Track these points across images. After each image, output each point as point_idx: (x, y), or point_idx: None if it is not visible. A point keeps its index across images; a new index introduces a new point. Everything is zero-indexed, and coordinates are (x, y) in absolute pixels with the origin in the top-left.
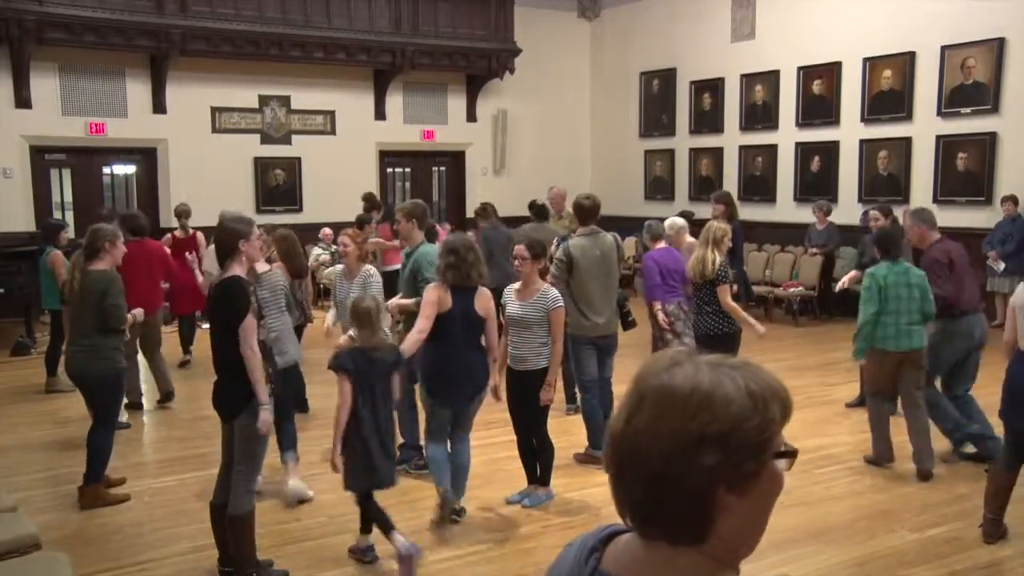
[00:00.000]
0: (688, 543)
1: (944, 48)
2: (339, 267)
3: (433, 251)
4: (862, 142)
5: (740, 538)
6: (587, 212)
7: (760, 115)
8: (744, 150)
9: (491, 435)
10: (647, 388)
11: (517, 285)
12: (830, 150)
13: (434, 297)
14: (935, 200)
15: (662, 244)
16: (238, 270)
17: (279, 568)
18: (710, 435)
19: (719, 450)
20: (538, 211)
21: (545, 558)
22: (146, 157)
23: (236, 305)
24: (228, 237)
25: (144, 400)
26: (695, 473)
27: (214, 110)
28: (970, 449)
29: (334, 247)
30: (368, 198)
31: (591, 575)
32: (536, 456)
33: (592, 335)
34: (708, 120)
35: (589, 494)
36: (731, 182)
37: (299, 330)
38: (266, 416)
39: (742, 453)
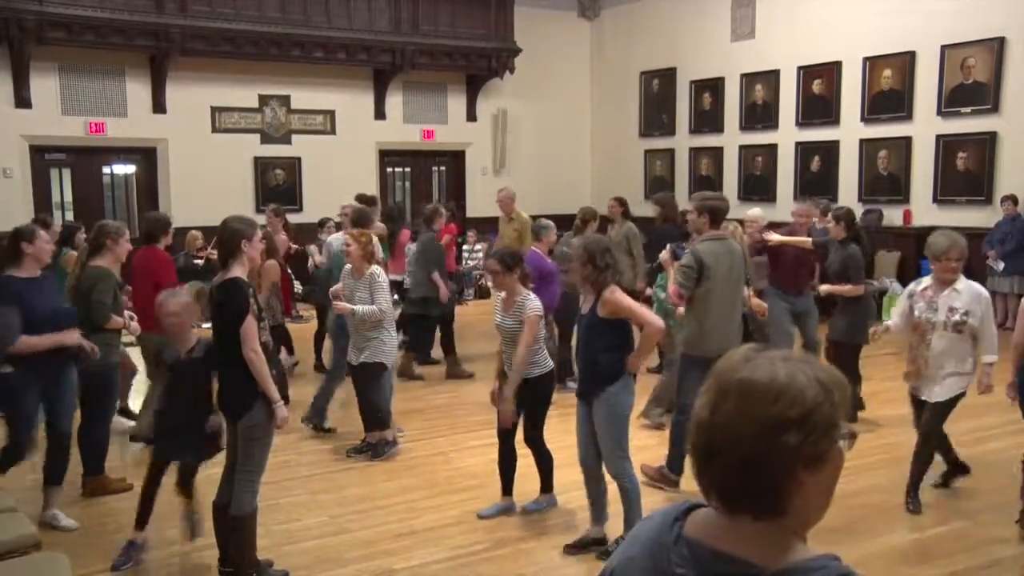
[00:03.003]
0: (770, 517)
1: (944, 48)
2: (348, 266)
3: None
4: (862, 142)
5: (813, 510)
6: (720, 214)
7: (760, 115)
8: (744, 150)
9: (492, 435)
10: (730, 382)
11: (504, 294)
12: (830, 150)
13: None
14: (935, 200)
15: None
16: (239, 271)
17: (279, 568)
18: (791, 418)
19: (799, 431)
20: (429, 217)
21: (545, 558)
22: (146, 157)
23: (236, 307)
24: (231, 238)
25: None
26: (780, 452)
27: (214, 110)
28: None
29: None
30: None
31: (676, 540)
32: (514, 467)
33: (709, 354)
34: (708, 120)
35: (581, 494)
36: (731, 182)
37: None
38: (283, 413)
39: (817, 433)
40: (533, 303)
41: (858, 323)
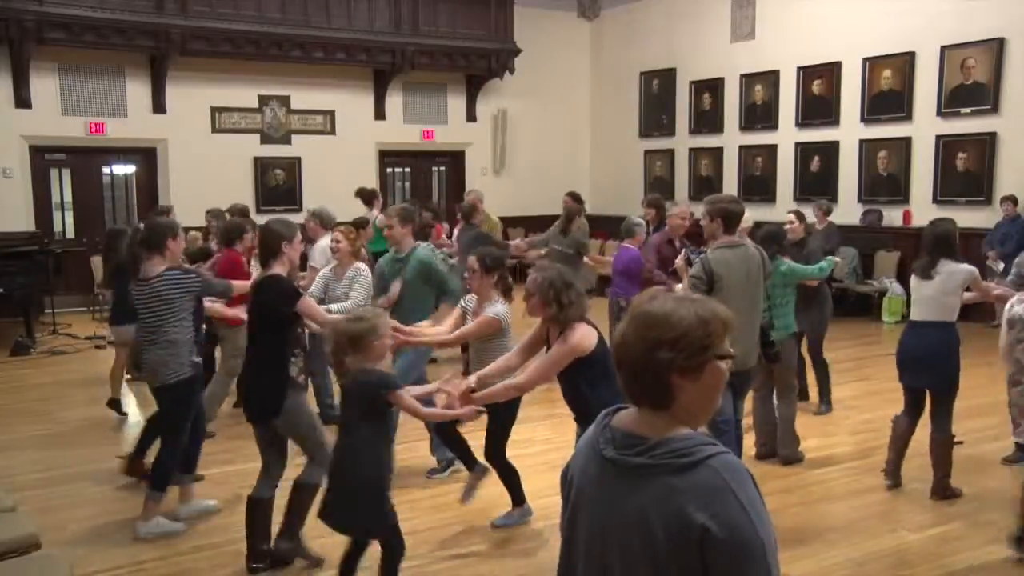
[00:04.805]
0: (661, 409)
1: (944, 48)
2: (327, 268)
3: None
4: (862, 142)
5: (695, 408)
6: (735, 218)
7: (760, 115)
8: (744, 150)
9: None
10: (634, 313)
11: (475, 299)
12: (830, 150)
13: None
14: (935, 200)
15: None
16: (279, 269)
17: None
18: (666, 339)
19: (672, 349)
20: (466, 214)
21: (545, 558)
22: (146, 157)
23: (285, 294)
24: (272, 239)
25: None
26: (657, 363)
27: (214, 110)
28: None
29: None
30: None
31: (603, 428)
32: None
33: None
34: (708, 120)
35: None
36: (731, 182)
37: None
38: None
39: (688, 351)
40: (495, 308)
41: (820, 317)
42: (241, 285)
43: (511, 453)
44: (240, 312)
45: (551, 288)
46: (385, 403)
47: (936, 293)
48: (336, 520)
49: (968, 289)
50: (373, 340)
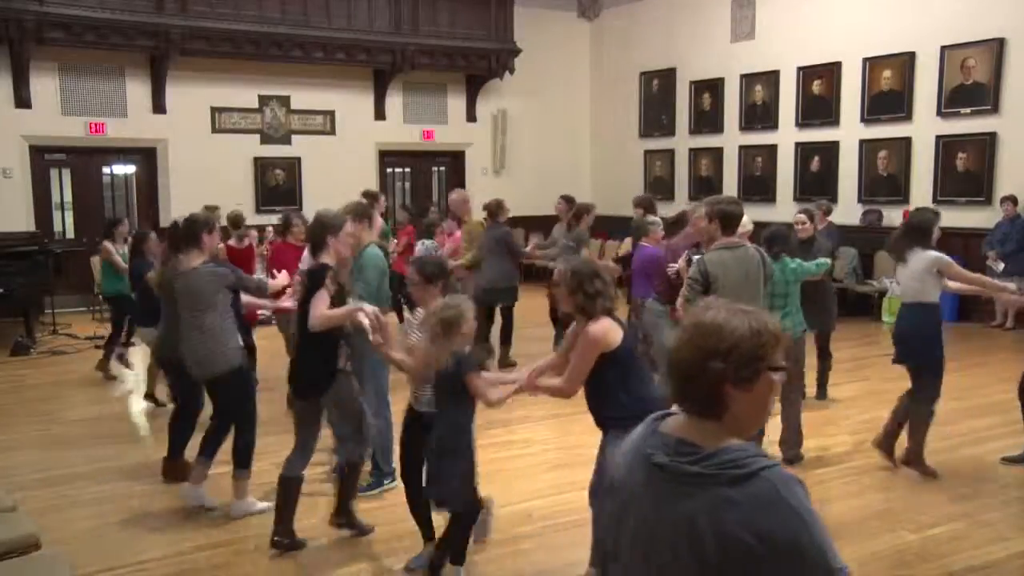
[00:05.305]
0: (710, 418)
1: (944, 48)
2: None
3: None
4: (862, 142)
5: (746, 419)
6: (733, 219)
7: (760, 115)
8: (744, 150)
9: (491, 435)
10: (689, 323)
11: (421, 311)
12: (830, 150)
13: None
14: (935, 200)
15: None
16: (327, 259)
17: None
18: (719, 349)
19: (724, 359)
20: (492, 211)
21: (544, 558)
22: (146, 157)
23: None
24: (318, 231)
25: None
26: (708, 372)
27: (214, 110)
28: None
29: None
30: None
31: (652, 434)
32: (429, 509)
33: None
34: (708, 120)
35: (582, 495)
36: (731, 182)
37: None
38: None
39: (739, 362)
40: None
41: (828, 313)
42: (274, 284)
43: (511, 453)
44: (286, 301)
45: (575, 277)
46: (463, 383)
47: (908, 277)
48: (434, 494)
49: (952, 281)
50: (463, 325)
